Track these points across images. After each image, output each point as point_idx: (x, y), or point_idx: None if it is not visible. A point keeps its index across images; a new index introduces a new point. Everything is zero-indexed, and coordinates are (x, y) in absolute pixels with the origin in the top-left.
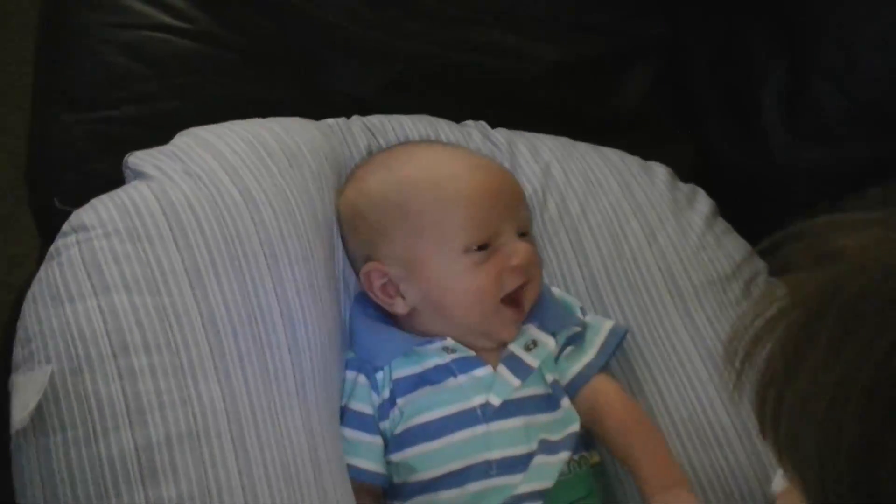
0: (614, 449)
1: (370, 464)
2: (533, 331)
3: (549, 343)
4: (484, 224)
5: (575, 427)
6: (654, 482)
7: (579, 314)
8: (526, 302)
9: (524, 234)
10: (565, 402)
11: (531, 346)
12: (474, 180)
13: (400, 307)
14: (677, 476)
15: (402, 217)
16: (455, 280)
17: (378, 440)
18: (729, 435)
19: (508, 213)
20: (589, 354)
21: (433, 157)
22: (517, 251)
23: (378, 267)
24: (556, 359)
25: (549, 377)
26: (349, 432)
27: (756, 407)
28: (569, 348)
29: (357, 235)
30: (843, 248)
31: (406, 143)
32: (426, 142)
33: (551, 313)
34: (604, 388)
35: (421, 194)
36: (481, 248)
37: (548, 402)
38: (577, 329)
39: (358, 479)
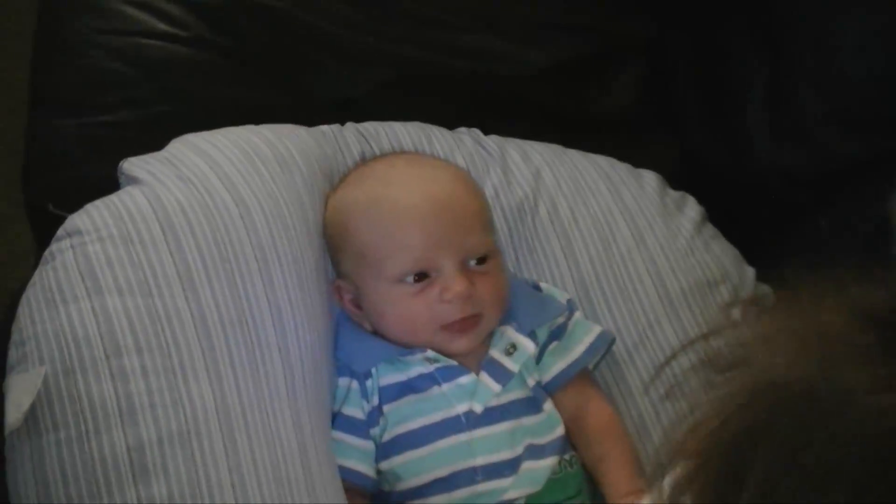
0: (584, 450)
1: (360, 465)
2: (511, 333)
3: (528, 346)
4: (417, 255)
5: (560, 430)
6: (620, 487)
7: (564, 303)
8: (477, 331)
9: (482, 261)
10: (547, 405)
11: (511, 349)
12: (410, 208)
13: (367, 321)
14: (642, 484)
15: (346, 239)
16: (389, 307)
17: (368, 444)
18: None
19: (450, 241)
20: (574, 353)
21: (383, 178)
22: (450, 287)
23: (341, 283)
24: (541, 354)
25: (531, 380)
26: (340, 435)
27: None
28: (554, 343)
29: (328, 252)
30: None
31: (375, 158)
32: (393, 156)
33: (528, 311)
34: (583, 390)
35: (357, 219)
36: (420, 277)
37: (531, 405)
38: (560, 320)
39: (348, 481)
